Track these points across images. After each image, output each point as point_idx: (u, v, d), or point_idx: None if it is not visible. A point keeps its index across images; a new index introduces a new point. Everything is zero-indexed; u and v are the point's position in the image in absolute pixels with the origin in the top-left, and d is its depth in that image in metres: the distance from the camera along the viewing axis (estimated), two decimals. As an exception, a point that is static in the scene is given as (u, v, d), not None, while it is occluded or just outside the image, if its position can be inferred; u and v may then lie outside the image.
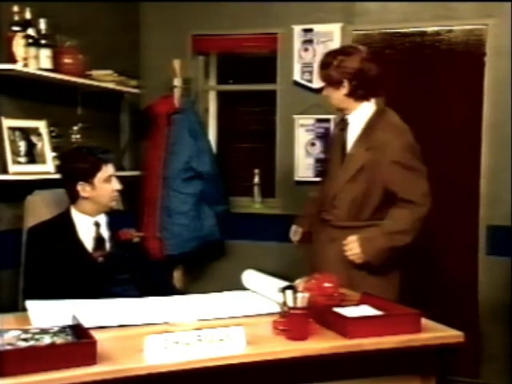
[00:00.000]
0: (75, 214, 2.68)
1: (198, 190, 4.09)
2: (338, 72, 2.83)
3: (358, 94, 2.85)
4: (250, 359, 1.86)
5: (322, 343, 1.98)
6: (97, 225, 2.68)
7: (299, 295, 2.01)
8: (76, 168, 2.64)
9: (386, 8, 4.11)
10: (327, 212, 2.95)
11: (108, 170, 2.68)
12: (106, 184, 2.66)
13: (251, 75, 4.68)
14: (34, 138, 3.32)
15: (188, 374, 1.78)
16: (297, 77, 4.28)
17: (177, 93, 4.21)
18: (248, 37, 4.43)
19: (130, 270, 2.68)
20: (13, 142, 3.19)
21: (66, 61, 3.41)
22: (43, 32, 3.24)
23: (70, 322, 1.93)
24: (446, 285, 4.02)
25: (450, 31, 4.02)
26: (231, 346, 1.87)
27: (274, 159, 4.45)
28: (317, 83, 4.18)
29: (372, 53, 2.98)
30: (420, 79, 4.07)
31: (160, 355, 1.78)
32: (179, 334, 1.84)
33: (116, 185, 2.70)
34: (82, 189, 2.63)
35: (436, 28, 4.04)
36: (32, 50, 3.16)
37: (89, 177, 2.63)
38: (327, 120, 4.23)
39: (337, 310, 2.15)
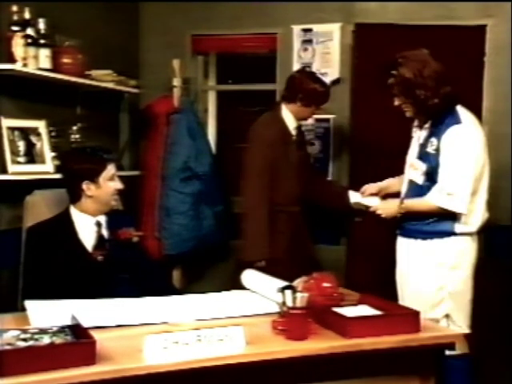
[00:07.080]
0: (75, 214, 2.68)
1: (197, 189, 4.08)
2: None
3: None
4: (249, 359, 1.86)
5: (321, 343, 1.98)
6: (98, 224, 2.69)
7: (298, 295, 2.02)
8: (82, 167, 2.66)
9: (386, 8, 4.10)
10: None
11: (111, 169, 2.71)
12: (109, 183, 2.69)
13: (251, 75, 4.68)
14: (33, 138, 3.31)
15: (187, 374, 1.78)
16: (296, 77, 4.26)
17: (176, 93, 4.20)
18: (247, 37, 4.43)
19: (130, 270, 2.69)
20: (12, 142, 3.19)
21: (66, 61, 3.41)
22: (42, 32, 3.23)
23: (69, 322, 1.93)
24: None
25: (450, 31, 4.01)
26: (230, 346, 1.87)
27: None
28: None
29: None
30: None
31: (159, 355, 1.78)
32: (178, 334, 1.84)
33: (118, 184, 2.73)
34: (87, 188, 2.65)
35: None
36: (31, 50, 3.15)
37: (94, 176, 2.65)
38: (327, 120, 4.22)
39: (336, 309, 2.15)
